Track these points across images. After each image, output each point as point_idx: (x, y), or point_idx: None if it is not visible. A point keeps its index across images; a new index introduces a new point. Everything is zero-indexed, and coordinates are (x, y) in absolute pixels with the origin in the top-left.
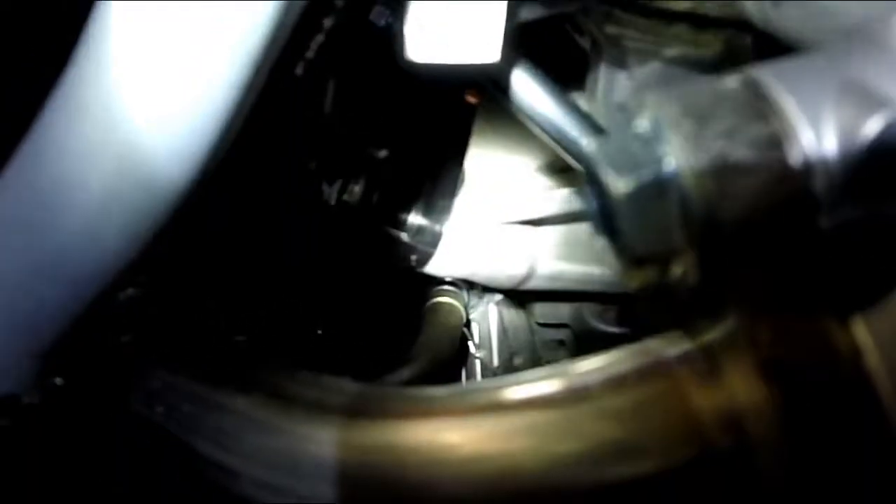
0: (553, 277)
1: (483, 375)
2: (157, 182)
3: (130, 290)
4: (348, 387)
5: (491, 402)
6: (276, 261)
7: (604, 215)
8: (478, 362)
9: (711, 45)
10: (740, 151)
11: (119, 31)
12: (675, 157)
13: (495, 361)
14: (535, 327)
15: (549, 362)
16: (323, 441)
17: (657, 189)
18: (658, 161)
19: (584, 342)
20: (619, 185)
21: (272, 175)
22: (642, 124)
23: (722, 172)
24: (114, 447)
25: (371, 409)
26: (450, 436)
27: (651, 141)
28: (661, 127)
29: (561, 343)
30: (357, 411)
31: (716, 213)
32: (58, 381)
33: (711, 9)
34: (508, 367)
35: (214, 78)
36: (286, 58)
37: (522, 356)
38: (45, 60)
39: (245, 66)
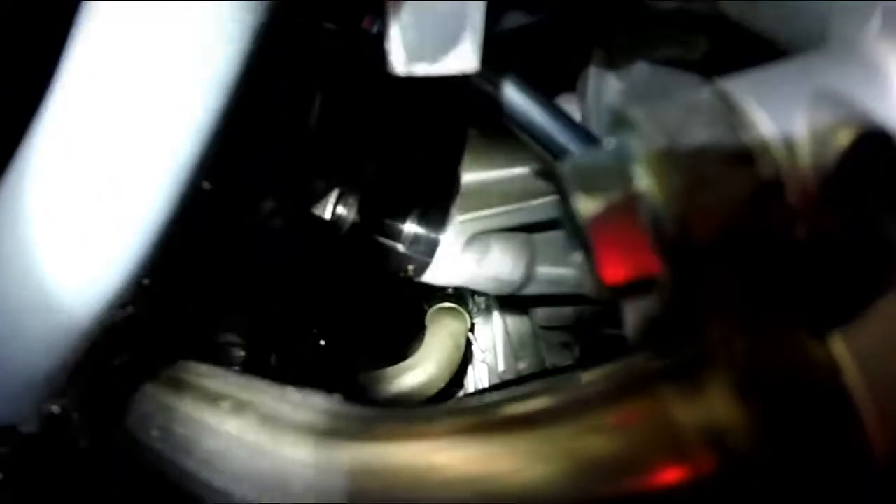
0: (553, 282)
1: (489, 380)
2: (69, 317)
3: (124, 309)
4: (336, 408)
5: (475, 422)
6: (270, 272)
7: (577, 233)
8: (484, 367)
9: (700, 45)
10: (711, 167)
11: (33, 177)
12: (645, 176)
13: (501, 366)
14: (540, 331)
15: (554, 366)
16: (310, 464)
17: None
18: (628, 180)
19: (589, 345)
20: (586, 204)
21: (258, 187)
22: (612, 141)
23: (693, 189)
24: (110, 470)
25: (357, 432)
26: (436, 457)
27: (621, 159)
28: (630, 144)
29: (566, 346)
30: (344, 434)
31: (688, 231)
32: (54, 408)
33: (698, 9)
34: (514, 371)
35: (131, 214)
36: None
37: (527, 360)
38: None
39: (168, 193)
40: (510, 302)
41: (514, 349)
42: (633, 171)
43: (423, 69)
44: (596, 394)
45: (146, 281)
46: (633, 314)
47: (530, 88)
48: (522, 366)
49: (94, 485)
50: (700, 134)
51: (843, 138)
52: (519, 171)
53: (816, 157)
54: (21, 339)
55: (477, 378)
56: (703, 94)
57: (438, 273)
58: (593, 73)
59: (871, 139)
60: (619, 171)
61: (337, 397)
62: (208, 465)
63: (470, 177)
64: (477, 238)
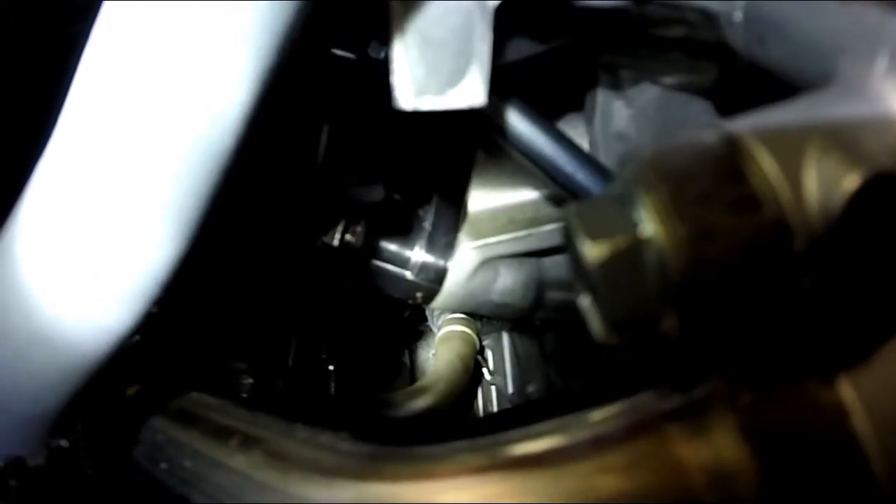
0: (563, 308)
1: (498, 403)
2: (78, 351)
3: (136, 337)
4: (343, 446)
5: (483, 462)
6: (278, 299)
7: (582, 276)
8: (493, 389)
9: (708, 71)
10: (717, 214)
11: (43, 207)
12: (651, 222)
13: (510, 388)
14: (549, 354)
15: (562, 390)
16: (317, 502)
17: (632, 254)
18: (633, 226)
19: (598, 370)
20: (592, 250)
21: (266, 216)
22: (618, 186)
23: (699, 237)
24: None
25: (365, 470)
26: (443, 498)
27: (627, 204)
28: (636, 190)
29: (574, 371)
30: (351, 472)
31: (693, 278)
32: (62, 442)
33: (706, 36)
34: (522, 394)
35: (134, 258)
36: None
37: (536, 384)
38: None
39: (181, 228)
40: (519, 325)
41: (523, 372)
42: (638, 217)
43: (429, 103)
44: (604, 433)
45: (154, 309)
46: (638, 356)
47: (537, 118)
48: (531, 389)
49: None
50: (706, 181)
51: (851, 183)
52: (528, 197)
53: (823, 202)
54: (29, 372)
55: (486, 401)
56: (709, 137)
57: (447, 300)
58: (601, 98)
59: (879, 183)
60: (624, 217)
61: (344, 434)
62: (215, 500)
63: (478, 203)
64: (486, 265)
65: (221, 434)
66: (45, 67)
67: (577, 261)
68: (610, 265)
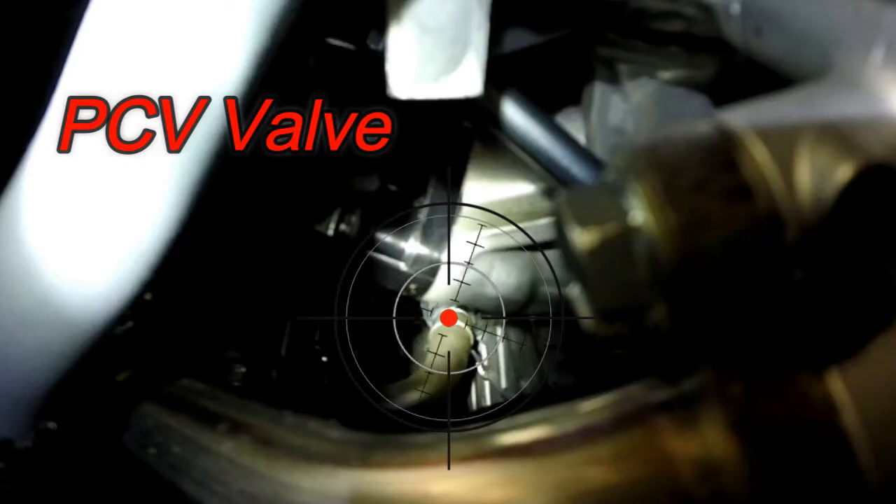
0: (556, 302)
1: (491, 397)
2: (79, 323)
3: (128, 324)
4: (332, 433)
5: (472, 451)
6: (271, 288)
7: (572, 266)
8: (486, 384)
9: (707, 66)
10: (709, 203)
11: (36, 187)
12: (642, 210)
13: (503, 383)
14: (543, 350)
15: (556, 385)
16: (303, 489)
17: (622, 242)
18: (624, 214)
19: (592, 365)
20: (582, 238)
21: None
22: (610, 174)
23: (690, 226)
24: (106, 487)
25: (354, 458)
26: (432, 486)
27: (618, 192)
28: (628, 178)
29: (568, 366)
30: (339, 459)
31: (684, 266)
32: (51, 425)
33: (704, 30)
34: (516, 389)
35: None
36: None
37: (529, 378)
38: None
39: (173, 205)
40: (514, 319)
41: (516, 367)
42: (629, 205)
43: (424, 92)
44: (593, 425)
45: (148, 296)
46: (628, 347)
47: (534, 110)
48: (524, 384)
49: (90, 501)
50: (698, 170)
51: (844, 173)
52: (524, 190)
53: (816, 193)
54: (19, 353)
55: (479, 395)
56: (702, 127)
57: (441, 292)
58: (598, 92)
59: (872, 174)
60: (615, 205)
61: (332, 422)
62: (203, 485)
63: (474, 195)
64: (481, 257)
65: (210, 420)
66: (39, 51)
67: (566, 248)
68: (599, 252)
